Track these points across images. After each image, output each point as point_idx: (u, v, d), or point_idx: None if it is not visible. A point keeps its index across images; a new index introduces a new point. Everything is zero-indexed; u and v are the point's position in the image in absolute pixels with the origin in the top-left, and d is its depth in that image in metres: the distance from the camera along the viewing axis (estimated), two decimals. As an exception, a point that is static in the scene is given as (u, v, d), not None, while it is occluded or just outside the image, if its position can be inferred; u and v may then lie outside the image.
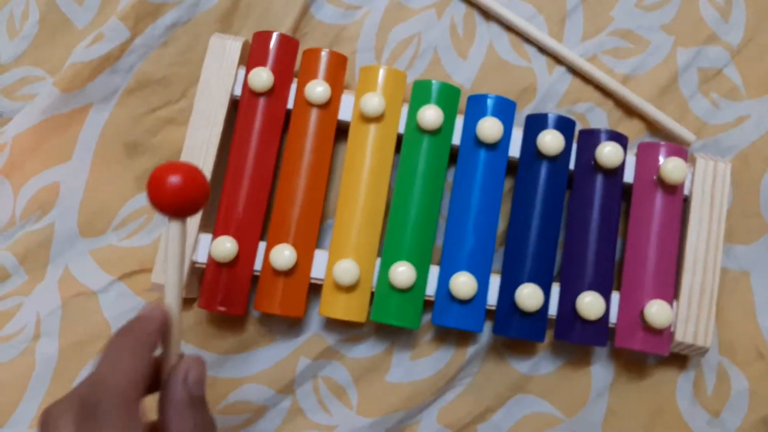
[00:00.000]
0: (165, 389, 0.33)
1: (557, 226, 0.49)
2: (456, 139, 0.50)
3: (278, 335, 0.50)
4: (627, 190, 0.50)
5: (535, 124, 0.50)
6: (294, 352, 0.50)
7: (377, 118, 0.50)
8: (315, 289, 0.50)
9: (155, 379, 0.33)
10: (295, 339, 0.50)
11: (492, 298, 0.48)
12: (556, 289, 0.48)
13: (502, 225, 0.51)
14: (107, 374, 0.30)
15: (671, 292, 0.47)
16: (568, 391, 0.49)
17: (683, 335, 0.46)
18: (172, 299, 0.36)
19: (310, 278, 0.49)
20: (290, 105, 0.51)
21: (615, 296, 0.48)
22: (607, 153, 0.48)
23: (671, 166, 0.47)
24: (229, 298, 0.48)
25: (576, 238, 0.48)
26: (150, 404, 0.33)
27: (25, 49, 0.55)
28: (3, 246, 0.52)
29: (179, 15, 0.54)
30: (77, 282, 0.51)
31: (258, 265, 0.49)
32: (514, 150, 0.50)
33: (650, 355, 0.50)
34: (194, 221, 0.49)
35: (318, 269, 0.49)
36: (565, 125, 0.49)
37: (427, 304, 0.48)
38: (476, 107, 0.50)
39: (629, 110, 0.53)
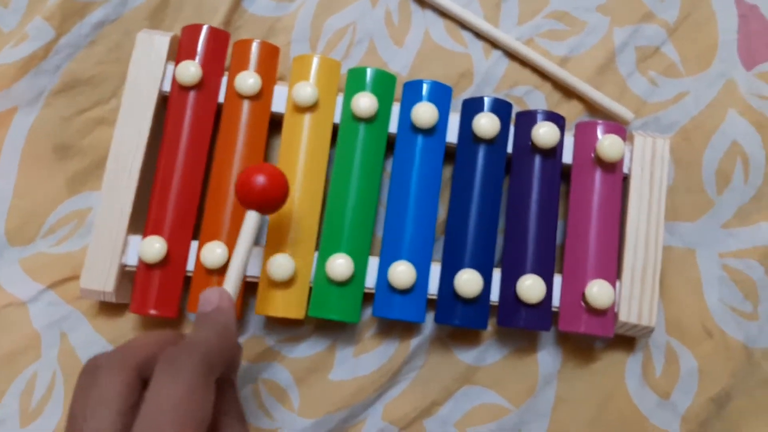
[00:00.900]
0: None
1: (497, 211, 0.48)
2: (394, 127, 0.49)
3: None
4: (568, 171, 0.49)
5: (472, 108, 0.49)
6: (233, 354, 0.48)
7: (311, 108, 0.48)
8: (255, 288, 0.48)
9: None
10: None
11: (434, 287, 0.47)
12: (498, 274, 0.47)
13: (444, 212, 0.50)
14: (197, 341, 0.31)
15: (614, 272, 0.46)
16: (516, 380, 0.48)
17: (627, 315, 0.45)
18: (230, 286, 0.38)
19: (245, 277, 0.47)
20: (222, 99, 0.49)
21: (558, 279, 0.47)
22: (543, 133, 0.47)
23: (608, 143, 0.46)
24: (160, 300, 0.47)
25: (516, 222, 0.47)
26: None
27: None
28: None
29: (107, 13, 0.53)
30: (5, 292, 0.49)
31: (191, 265, 0.47)
32: (453, 136, 0.49)
33: (598, 338, 0.49)
34: (123, 223, 0.47)
35: (254, 267, 0.47)
36: (501, 108, 0.49)
37: (370, 297, 0.47)
38: (412, 93, 0.49)
39: (568, 92, 0.52)
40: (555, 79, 0.52)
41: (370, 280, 0.47)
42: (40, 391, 0.47)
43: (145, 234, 0.47)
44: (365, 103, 0.47)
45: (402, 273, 0.45)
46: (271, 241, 0.47)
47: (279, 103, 0.50)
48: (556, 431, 0.47)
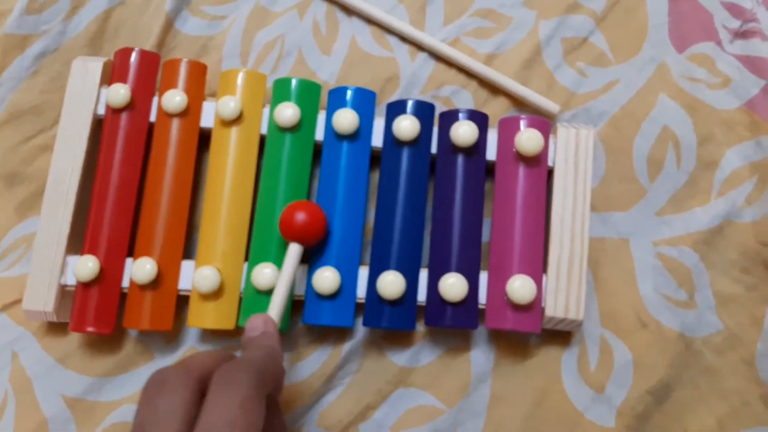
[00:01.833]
0: None
1: (422, 212, 0.48)
2: (322, 135, 0.50)
3: (157, 353, 0.50)
4: (494, 168, 0.49)
5: (395, 111, 0.49)
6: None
7: (236, 121, 0.49)
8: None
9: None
10: (172, 355, 0.49)
11: (363, 291, 0.47)
12: (425, 275, 0.47)
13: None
14: (249, 359, 0.33)
15: (540, 267, 0.46)
16: (449, 380, 0.47)
17: (554, 309, 0.45)
18: (275, 311, 0.42)
19: (177, 290, 0.48)
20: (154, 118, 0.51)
21: (484, 276, 0.46)
22: (462, 132, 0.47)
23: (525, 138, 0.46)
24: (98, 317, 0.48)
25: (441, 222, 0.47)
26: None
27: None
28: None
29: (47, 44, 0.55)
30: (-43, 317, 0.51)
31: (127, 281, 0.48)
32: (379, 140, 0.49)
33: (531, 334, 0.48)
34: (61, 244, 0.48)
35: (186, 280, 0.48)
36: (423, 110, 0.49)
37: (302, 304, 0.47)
38: (336, 101, 0.50)
39: (494, 89, 0.52)
40: (480, 77, 0.52)
41: (301, 288, 0.47)
42: (-9, 411, 0.49)
43: (82, 253, 0.48)
44: (287, 113, 0.48)
45: (327, 279, 0.46)
46: (202, 253, 0.48)
47: (209, 119, 0.51)
48: (491, 430, 0.47)
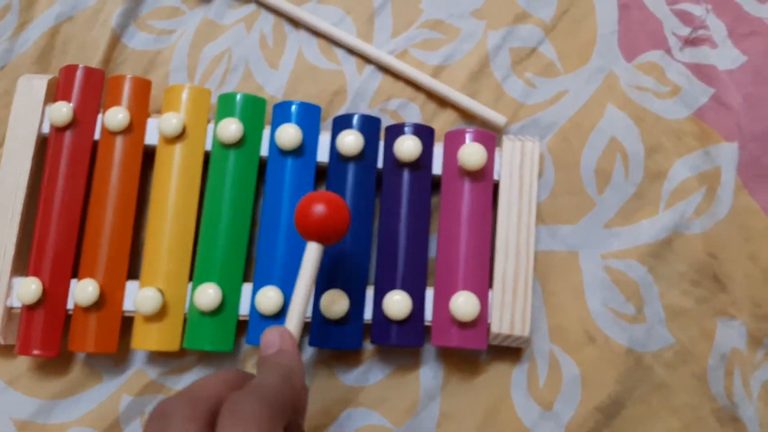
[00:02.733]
0: None
1: (369, 228, 0.47)
2: (266, 151, 0.49)
3: (105, 375, 0.49)
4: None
5: (340, 125, 0.48)
6: (117, 391, 0.48)
7: (179, 138, 0.49)
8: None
9: None
10: (120, 377, 0.49)
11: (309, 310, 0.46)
12: (371, 292, 0.46)
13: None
14: (262, 387, 0.30)
15: (486, 283, 0.45)
16: (398, 399, 0.47)
17: (499, 326, 0.44)
18: (293, 324, 0.36)
19: (122, 312, 0.47)
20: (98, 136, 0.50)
21: (431, 293, 0.46)
22: (406, 147, 0.46)
23: (467, 152, 0.45)
24: (43, 340, 0.47)
25: (386, 238, 0.47)
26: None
27: None
28: None
29: (-6, 61, 0.54)
30: None
31: (72, 303, 0.48)
32: (326, 155, 0.49)
33: (481, 351, 0.48)
34: (6, 265, 0.47)
35: (132, 301, 0.47)
36: (368, 124, 0.48)
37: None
38: (281, 115, 0.49)
39: (442, 102, 0.51)
40: (428, 89, 0.51)
41: (246, 308, 0.47)
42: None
43: (27, 275, 0.48)
44: (230, 129, 0.47)
45: (270, 300, 0.45)
46: (146, 274, 0.47)
47: (154, 135, 0.50)
48: (439, 449, 0.46)
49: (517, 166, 0.47)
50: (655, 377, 0.46)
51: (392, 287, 0.45)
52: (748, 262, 0.48)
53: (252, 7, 0.54)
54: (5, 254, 0.48)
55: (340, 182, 0.48)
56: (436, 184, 0.48)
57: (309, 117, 0.49)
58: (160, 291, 0.46)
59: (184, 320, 0.47)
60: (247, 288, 0.47)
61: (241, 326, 0.47)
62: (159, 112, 0.52)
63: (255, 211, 0.49)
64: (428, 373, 0.47)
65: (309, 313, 0.46)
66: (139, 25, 0.55)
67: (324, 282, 0.46)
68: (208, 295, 0.45)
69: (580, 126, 0.50)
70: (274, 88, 0.53)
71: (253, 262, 0.48)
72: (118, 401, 0.48)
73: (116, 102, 0.50)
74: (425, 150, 0.47)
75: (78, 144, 0.50)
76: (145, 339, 0.46)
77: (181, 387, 0.48)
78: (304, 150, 0.48)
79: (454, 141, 0.47)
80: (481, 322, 0.44)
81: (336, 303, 0.44)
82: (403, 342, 0.45)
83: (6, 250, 0.48)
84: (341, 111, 0.52)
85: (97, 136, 0.50)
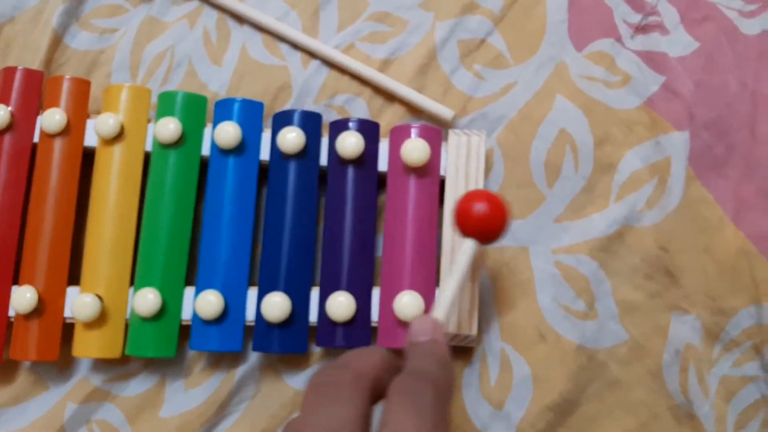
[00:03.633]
0: None
1: (311, 228, 0.46)
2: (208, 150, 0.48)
3: (50, 382, 0.48)
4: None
5: (281, 122, 0.47)
6: (62, 399, 0.47)
7: (118, 139, 0.47)
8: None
9: None
10: (65, 384, 0.47)
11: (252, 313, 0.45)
12: (316, 294, 0.45)
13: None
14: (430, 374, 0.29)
15: (433, 282, 0.44)
16: (345, 401, 0.46)
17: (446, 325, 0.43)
18: (441, 315, 0.35)
19: (63, 319, 0.46)
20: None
21: (377, 294, 0.45)
22: (348, 144, 0.45)
23: (410, 148, 0.44)
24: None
25: (331, 238, 0.45)
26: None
27: None
28: None
29: (-66, 65, 0.53)
30: None
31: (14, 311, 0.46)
32: (267, 153, 0.48)
33: (429, 351, 0.46)
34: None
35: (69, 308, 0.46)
36: (310, 120, 0.47)
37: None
38: (223, 113, 0.48)
39: (390, 96, 0.50)
40: (374, 84, 0.50)
41: (188, 312, 0.46)
42: None
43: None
44: (168, 128, 0.46)
45: (210, 303, 0.44)
46: (86, 279, 0.46)
47: (95, 137, 0.49)
48: (387, 452, 0.45)
49: (463, 161, 0.45)
50: (609, 374, 0.45)
51: (337, 288, 0.44)
52: (703, 254, 0.46)
53: (195, 4, 0.53)
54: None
55: (281, 181, 0.46)
56: (384, 181, 0.47)
57: (251, 114, 0.48)
58: (100, 297, 0.45)
59: (127, 326, 0.46)
60: (189, 292, 0.46)
61: (185, 331, 0.46)
62: (100, 113, 0.51)
63: (198, 212, 0.47)
64: (378, 375, 0.46)
65: (250, 317, 0.45)
66: (82, 25, 0.53)
67: (266, 284, 0.45)
68: (148, 300, 0.44)
69: (529, 118, 0.49)
70: (217, 85, 0.51)
71: (197, 265, 0.47)
72: (63, 409, 0.47)
73: (55, 104, 0.49)
74: (369, 146, 0.46)
75: (16, 147, 0.48)
76: (86, 346, 0.45)
77: (126, 394, 0.47)
78: (245, 148, 0.47)
79: (399, 136, 0.46)
80: (426, 321, 0.43)
81: (277, 306, 0.43)
82: (348, 344, 0.44)
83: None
84: (286, 107, 0.50)
85: (36, 138, 0.49)
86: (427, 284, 0.44)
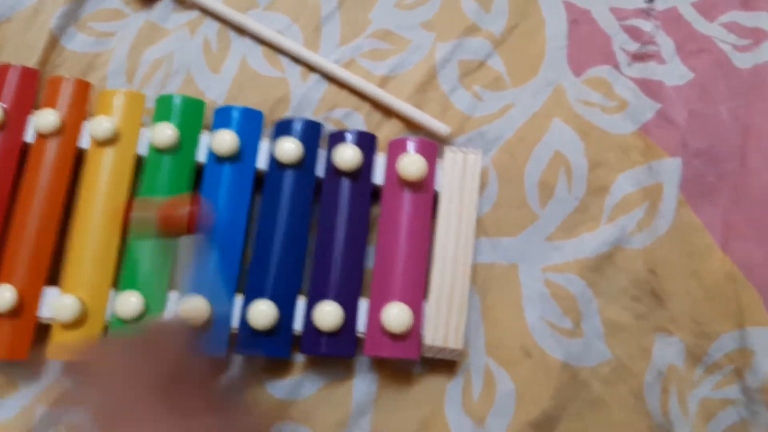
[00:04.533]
0: None
1: (303, 238, 0.45)
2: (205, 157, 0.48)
3: (21, 382, 0.46)
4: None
5: (281, 131, 0.47)
6: (33, 400, 0.46)
7: (111, 142, 0.47)
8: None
9: None
10: (37, 384, 0.46)
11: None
12: (303, 302, 0.45)
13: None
14: None
15: (421, 295, 0.44)
16: (329, 413, 0.45)
17: (433, 338, 0.43)
18: None
19: (37, 318, 0.45)
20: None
21: (365, 304, 0.44)
22: (345, 156, 0.45)
23: (407, 162, 0.44)
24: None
25: (322, 248, 0.45)
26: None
27: None
28: None
29: (-72, 63, 0.52)
30: None
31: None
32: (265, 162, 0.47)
33: (416, 364, 0.46)
34: None
35: (49, 308, 0.45)
36: (309, 130, 0.47)
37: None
38: (222, 120, 0.48)
39: (388, 111, 0.50)
40: (373, 99, 0.50)
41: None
42: None
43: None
44: (164, 133, 0.46)
45: (195, 310, 0.43)
46: (67, 280, 0.45)
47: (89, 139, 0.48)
48: (370, 466, 0.44)
49: (458, 178, 0.45)
50: (591, 393, 0.45)
51: (324, 297, 0.44)
52: (690, 279, 0.47)
53: (197, 12, 0.53)
54: None
55: (275, 190, 0.46)
56: (378, 193, 0.47)
57: (250, 123, 0.48)
58: (80, 299, 0.44)
59: (105, 329, 0.45)
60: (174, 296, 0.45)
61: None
62: (93, 116, 0.50)
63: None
64: (361, 386, 0.45)
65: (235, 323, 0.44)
66: (79, 27, 0.53)
67: (253, 291, 0.44)
68: (131, 303, 0.43)
69: (525, 139, 0.49)
70: (215, 93, 0.51)
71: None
72: (33, 411, 0.45)
73: (52, 104, 0.48)
74: (366, 159, 0.46)
75: (7, 145, 0.48)
76: (63, 348, 0.44)
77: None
78: (242, 156, 0.47)
79: (396, 150, 0.46)
80: (413, 334, 0.43)
81: (262, 313, 0.43)
82: (333, 352, 0.43)
83: None
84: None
85: (30, 138, 0.48)
86: (416, 297, 0.44)
